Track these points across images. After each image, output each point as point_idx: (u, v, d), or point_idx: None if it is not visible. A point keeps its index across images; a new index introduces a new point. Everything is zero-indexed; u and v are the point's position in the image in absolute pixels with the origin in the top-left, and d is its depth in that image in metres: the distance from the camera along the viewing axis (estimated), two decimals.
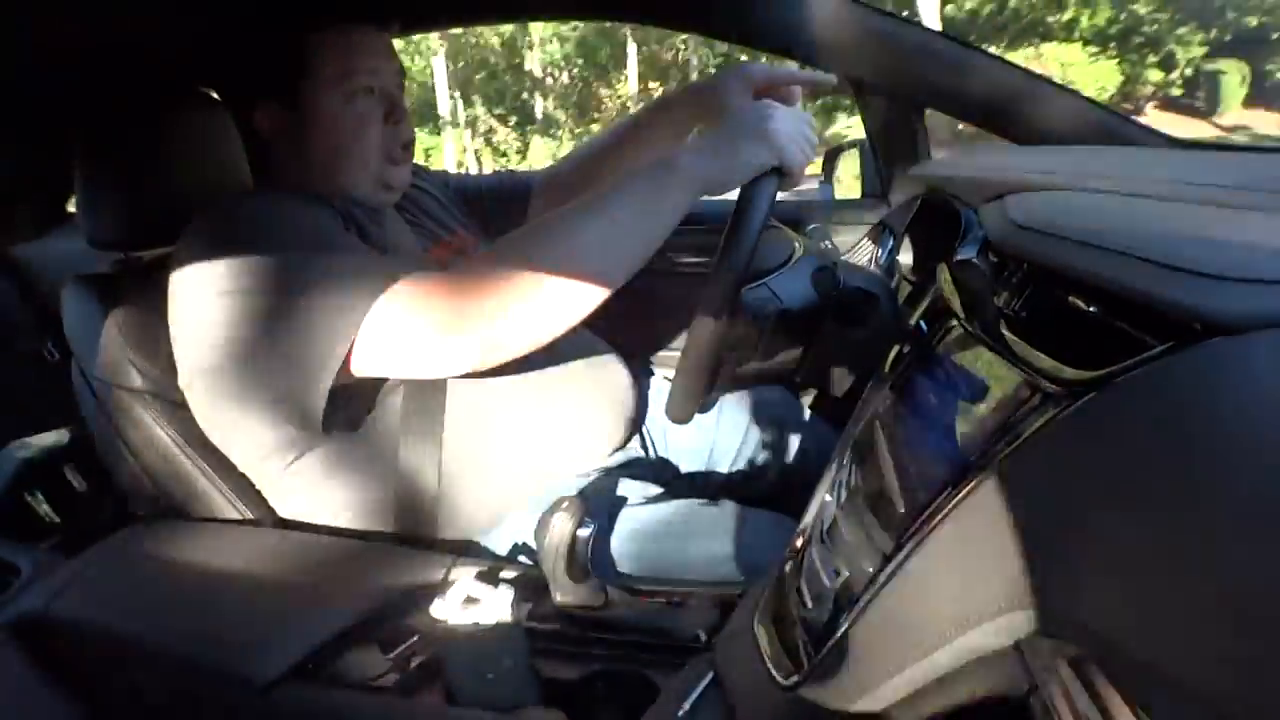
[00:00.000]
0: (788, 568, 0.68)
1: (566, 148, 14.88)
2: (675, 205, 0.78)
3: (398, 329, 0.78)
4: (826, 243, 1.31)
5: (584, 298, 0.78)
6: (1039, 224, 0.55)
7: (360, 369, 0.81)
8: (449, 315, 0.76)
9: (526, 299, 0.76)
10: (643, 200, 0.78)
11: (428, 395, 0.91)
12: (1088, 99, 1.21)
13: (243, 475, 0.95)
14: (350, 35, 0.93)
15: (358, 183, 0.96)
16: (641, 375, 1.19)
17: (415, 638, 0.80)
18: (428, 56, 15.86)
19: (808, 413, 1.25)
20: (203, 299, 0.85)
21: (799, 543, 0.69)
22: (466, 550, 0.93)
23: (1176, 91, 13.57)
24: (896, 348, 0.74)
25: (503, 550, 0.92)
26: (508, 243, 0.80)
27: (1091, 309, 0.47)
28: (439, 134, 16.31)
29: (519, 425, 0.95)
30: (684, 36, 14.58)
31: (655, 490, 1.03)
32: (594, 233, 0.77)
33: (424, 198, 1.18)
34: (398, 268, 0.81)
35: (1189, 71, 13.16)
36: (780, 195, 0.81)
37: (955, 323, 0.63)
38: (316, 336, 0.80)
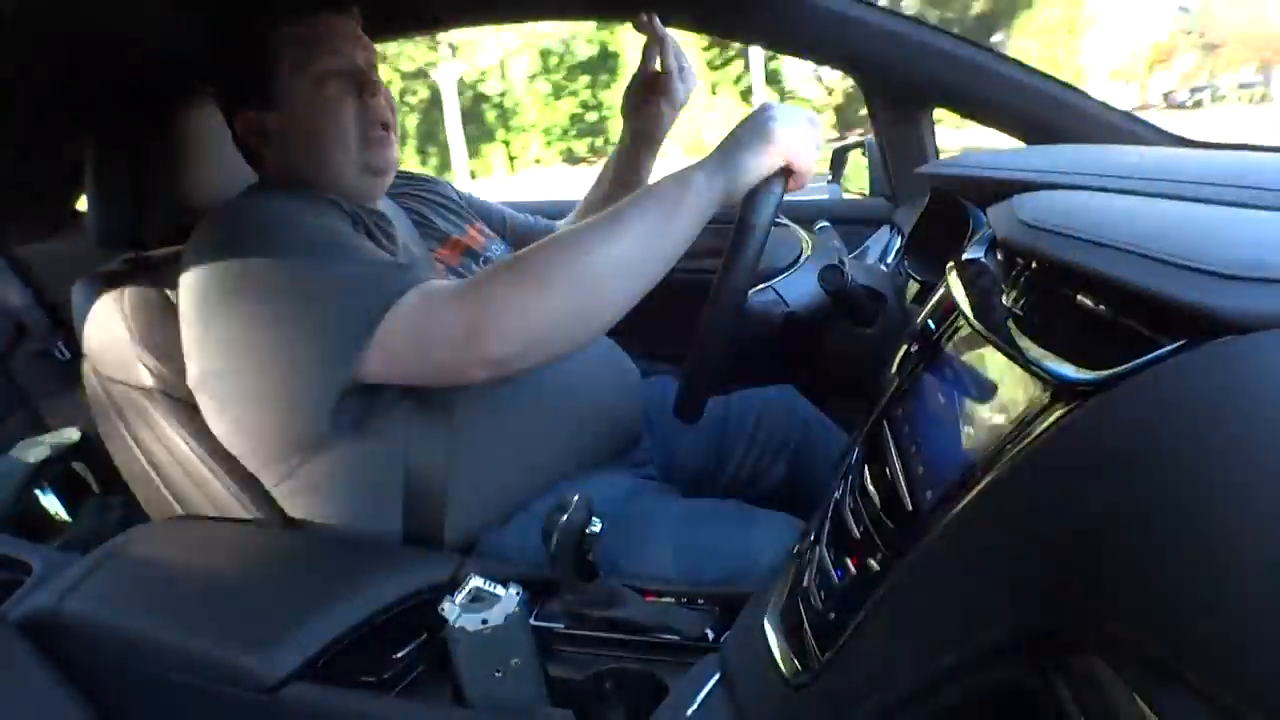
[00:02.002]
0: (796, 567, 0.68)
1: None
2: (689, 221, 0.79)
3: (409, 340, 0.79)
4: (835, 241, 1.31)
5: (598, 316, 0.79)
6: (1048, 223, 0.54)
7: (370, 376, 0.81)
8: (462, 329, 0.77)
9: (540, 318, 0.77)
10: (657, 217, 0.78)
11: (435, 396, 0.91)
12: (1097, 99, 1.21)
13: (252, 475, 0.95)
14: (310, 24, 0.94)
15: (344, 172, 0.96)
16: (650, 374, 1.19)
17: (423, 637, 0.80)
18: None
19: (815, 412, 1.25)
20: (213, 300, 0.85)
21: (807, 542, 0.69)
22: (474, 549, 0.93)
23: None
24: (904, 347, 0.73)
25: (511, 549, 0.92)
26: (523, 259, 0.80)
27: (1101, 308, 0.47)
28: None
29: (527, 424, 0.95)
30: None
31: (663, 489, 1.03)
32: (610, 251, 0.77)
33: (432, 198, 1.19)
34: (411, 277, 0.81)
35: None
36: (789, 195, 0.81)
37: (963, 322, 0.63)
38: (327, 342, 0.80)
